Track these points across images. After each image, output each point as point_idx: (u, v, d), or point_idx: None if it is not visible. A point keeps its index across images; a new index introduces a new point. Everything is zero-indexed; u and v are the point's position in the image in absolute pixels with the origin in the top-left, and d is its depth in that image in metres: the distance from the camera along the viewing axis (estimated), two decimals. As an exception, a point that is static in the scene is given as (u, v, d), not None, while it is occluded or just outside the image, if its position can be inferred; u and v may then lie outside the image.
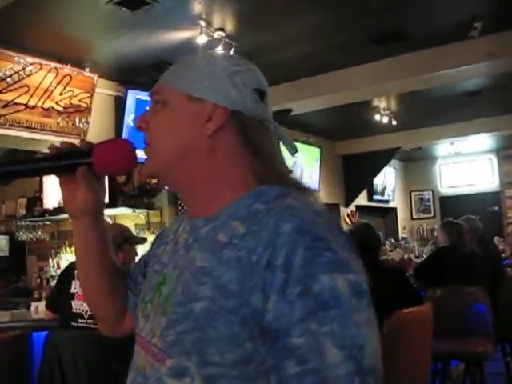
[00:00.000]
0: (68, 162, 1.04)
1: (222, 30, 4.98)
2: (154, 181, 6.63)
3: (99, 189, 1.09)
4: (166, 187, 4.96)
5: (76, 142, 1.09)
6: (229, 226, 0.89)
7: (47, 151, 1.05)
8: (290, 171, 0.99)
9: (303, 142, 9.04)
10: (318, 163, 9.44)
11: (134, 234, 6.65)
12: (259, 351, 0.80)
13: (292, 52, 5.65)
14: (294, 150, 1.01)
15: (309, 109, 7.21)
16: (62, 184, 1.08)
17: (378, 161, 10.32)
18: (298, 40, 5.38)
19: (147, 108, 1.03)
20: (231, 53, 5.12)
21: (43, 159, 1.05)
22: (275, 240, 0.80)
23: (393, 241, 9.84)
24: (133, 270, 1.20)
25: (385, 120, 8.12)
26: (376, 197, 11.23)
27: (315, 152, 9.38)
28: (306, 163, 9.15)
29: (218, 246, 0.88)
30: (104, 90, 6.05)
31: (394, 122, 8.28)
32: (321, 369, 0.75)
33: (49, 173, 1.12)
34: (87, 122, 5.76)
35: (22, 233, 6.92)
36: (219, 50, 5.05)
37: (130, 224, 6.66)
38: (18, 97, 5.09)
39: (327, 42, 5.44)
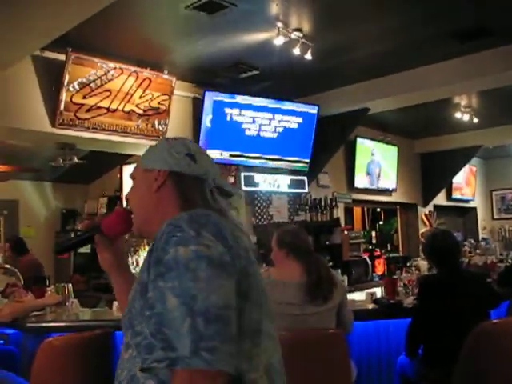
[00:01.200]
0: (88, 234, 1.52)
1: (299, 30, 4.94)
2: (232, 180, 6.68)
3: (116, 249, 1.54)
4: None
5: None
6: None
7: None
8: (209, 204, 1.35)
9: (380, 141, 8.89)
10: (396, 162, 9.25)
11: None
12: None
13: (369, 51, 5.54)
14: (238, 195, 1.61)
15: (386, 108, 7.06)
16: (97, 250, 1.54)
17: (458, 159, 9.98)
18: (375, 38, 5.26)
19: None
20: (308, 54, 5.10)
21: (77, 235, 1.57)
22: (157, 236, 1.17)
23: (472, 242, 9.48)
24: None
25: (466, 118, 7.83)
26: (455, 196, 10.90)
27: (393, 151, 9.20)
28: (384, 162, 9.00)
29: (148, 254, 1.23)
30: (182, 92, 6.14)
31: (476, 120, 7.98)
32: (162, 312, 1.07)
33: (84, 244, 1.57)
34: (166, 124, 5.87)
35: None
36: (296, 50, 5.02)
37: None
38: (101, 101, 5.25)
39: (405, 39, 5.29)
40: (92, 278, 7.44)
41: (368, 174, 8.73)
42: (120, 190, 7.63)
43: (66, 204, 9.03)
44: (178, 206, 1.35)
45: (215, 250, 1.13)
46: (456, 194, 11.00)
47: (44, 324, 3.70)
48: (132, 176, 1.48)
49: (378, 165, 8.91)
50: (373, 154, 8.79)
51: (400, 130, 9.14)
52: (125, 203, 1.70)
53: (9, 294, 4.21)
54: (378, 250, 8.45)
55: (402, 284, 4.18)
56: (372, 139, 8.69)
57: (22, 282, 4.63)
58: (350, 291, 6.34)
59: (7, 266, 4.91)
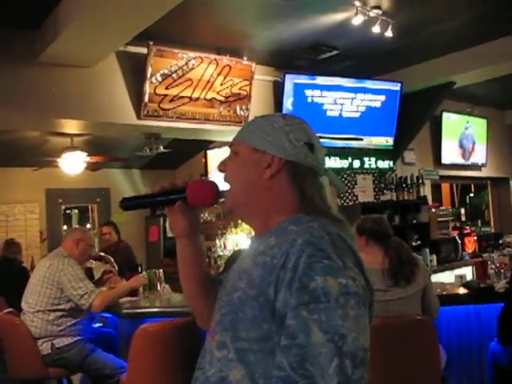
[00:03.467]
0: (168, 197, 1.41)
1: (378, 7, 4.82)
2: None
3: (193, 217, 1.43)
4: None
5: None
6: (267, 240, 1.20)
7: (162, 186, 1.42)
8: (327, 206, 1.26)
9: (468, 114, 8.56)
10: (485, 135, 8.89)
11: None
12: (273, 331, 1.07)
13: (451, 24, 5.31)
14: (342, 190, 1.75)
15: (473, 80, 6.76)
16: (168, 213, 1.44)
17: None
18: (457, 10, 5.04)
19: (228, 155, 1.37)
20: (389, 31, 4.97)
21: (153, 195, 1.44)
22: (290, 249, 1.09)
23: None
24: (222, 278, 1.45)
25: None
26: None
27: (482, 123, 8.84)
28: (476, 135, 8.69)
29: (256, 253, 1.20)
30: (262, 77, 6.16)
31: None
32: (305, 345, 1.00)
33: (157, 206, 1.49)
34: (247, 109, 5.92)
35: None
36: (376, 28, 4.91)
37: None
38: (183, 90, 5.37)
39: (487, 9, 5.03)
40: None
41: (461, 147, 8.46)
42: (205, 174, 7.78)
43: (155, 189, 9.31)
44: (294, 201, 1.25)
45: (360, 285, 1.08)
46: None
47: (138, 310, 3.88)
48: (235, 150, 1.33)
49: (471, 139, 8.61)
50: (466, 128, 8.49)
51: (489, 101, 8.75)
52: (213, 175, 1.54)
53: (105, 281, 4.44)
54: (468, 227, 8.19)
55: (493, 266, 4.04)
56: (459, 113, 8.38)
57: (117, 268, 4.86)
58: (439, 271, 6.23)
59: (102, 253, 5.15)
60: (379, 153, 6.90)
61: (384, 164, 7.02)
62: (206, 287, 1.47)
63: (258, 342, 1.08)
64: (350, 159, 6.72)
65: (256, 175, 1.27)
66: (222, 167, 1.35)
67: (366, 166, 6.85)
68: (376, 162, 6.93)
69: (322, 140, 4.74)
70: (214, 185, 1.39)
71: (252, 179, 1.28)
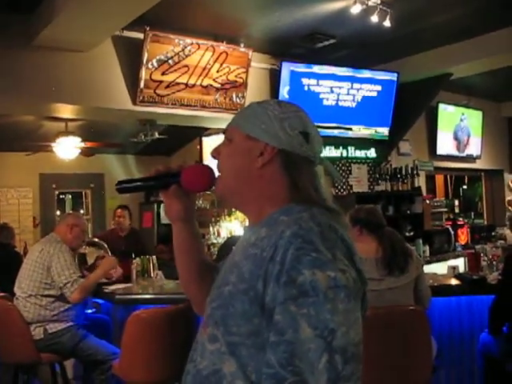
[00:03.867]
0: (163, 181, 1.41)
1: (376, -3, 4.80)
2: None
3: (188, 202, 1.42)
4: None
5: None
6: (259, 232, 1.17)
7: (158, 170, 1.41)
8: (322, 196, 1.22)
9: (464, 106, 8.56)
10: (480, 127, 8.90)
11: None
12: (263, 326, 1.04)
13: (448, 15, 5.30)
14: (338, 180, 1.76)
15: (470, 72, 6.76)
16: (163, 197, 1.42)
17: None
18: (454, 2, 5.04)
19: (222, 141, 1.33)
20: (387, 21, 4.94)
21: (148, 179, 1.43)
22: (278, 241, 1.07)
23: None
24: (220, 266, 1.41)
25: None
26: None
27: (477, 115, 8.84)
28: (471, 127, 8.70)
29: (248, 245, 1.18)
30: (259, 64, 6.13)
31: None
32: (293, 341, 0.98)
33: (152, 189, 1.52)
34: (243, 97, 5.90)
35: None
36: (374, 18, 4.89)
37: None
38: (179, 77, 5.35)
39: (485, 1, 5.02)
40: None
41: (455, 139, 8.46)
42: (200, 161, 7.77)
43: (149, 176, 9.30)
44: (286, 191, 1.22)
45: (350, 277, 1.04)
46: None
47: (131, 296, 3.88)
48: (229, 136, 1.29)
49: (466, 131, 8.62)
50: (461, 120, 8.50)
51: (485, 93, 8.75)
52: (208, 162, 1.52)
53: (98, 266, 4.43)
54: (461, 219, 8.22)
55: (485, 258, 4.06)
56: (455, 104, 8.38)
57: (110, 253, 4.85)
58: (432, 262, 6.25)
59: (95, 239, 5.14)
60: (374, 143, 6.90)
61: (379, 154, 7.03)
62: (202, 273, 1.46)
63: (249, 336, 1.06)
64: (345, 149, 6.72)
65: (248, 163, 1.24)
66: (215, 154, 1.32)
67: (361, 155, 6.85)
68: (371, 152, 6.93)
69: (318, 129, 4.73)
70: (209, 169, 1.37)
71: (243, 167, 1.25)
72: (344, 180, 6.65)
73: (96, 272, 4.00)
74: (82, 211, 9.51)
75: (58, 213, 9.10)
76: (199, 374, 1.14)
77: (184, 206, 1.40)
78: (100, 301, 4.28)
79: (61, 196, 9.38)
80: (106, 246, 4.84)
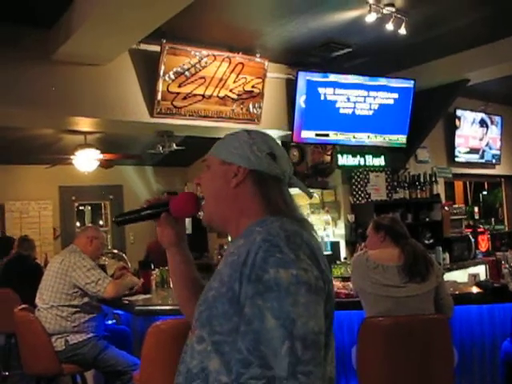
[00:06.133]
0: (153, 211, 1.59)
1: (391, 5, 4.79)
2: (328, 159, 6.66)
3: (178, 228, 1.61)
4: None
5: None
6: (237, 242, 1.31)
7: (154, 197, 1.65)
8: (291, 208, 1.39)
9: (482, 112, 8.50)
10: (499, 133, 8.83)
11: (309, 213, 6.81)
12: None
13: (464, 21, 5.26)
14: (309, 195, 1.60)
15: (488, 77, 6.71)
16: (157, 225, 1.61)
17: None
18: (469, 8, 5.00)
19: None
20: (402, 28, 4.94)
21: (141, 210, 1.61)
22: (251, 247, 1.21)
23: None
24: None
25: None
26: None
27: (495, 121, 8.77)
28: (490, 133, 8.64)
29: (228, 254, 1.32)
30: (275, 74, 6.15)
31: None
32: (259, 330, 1.12)
33: (145, 219, 1.63)
34: (260, 107, 5.93)
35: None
36: (389, 26, 4.88)
37: (304, 203, 6.79)
38: (196, 88, 5.38)
39: (501, 6, 4.97)
40: (194, 259, 7.69)
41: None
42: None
43: (167, 186, 9.37)
44: (260, 205, 1.38)
45: (312, 275, 1.18)
46: None
47: (151, 307, 3.90)
48: (207, 164, 1.47)
49: (488, 137, 8.57)
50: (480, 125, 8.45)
51: (503, 98, 8.68)
52: (193, 187, 1.71)
53: (118, 277, 4.46)
54: (481, 226, 8.14)
55: (507, 266, 4.01)
56: (473, 110, 8.32)
57: (130, 265, 4.89)
58: (452, 269, 6.20)
59: (115, 250, 5.18)
60: (392, 151, 6.87)
61: (397, 162, 6.99)
62: (195, 292, 1.56)
63: (230, 333, 1.19)
64: (362, 157, 6.70)
65: (224, 185, 1.40)
66: (198, 181, 1.50)
67: (379, 163, 6.82)
68: (389, 160, 6.90)
69: (335, 138, 4.72)
70: (193, 196, 1.56)
71: (221, 189, 1.41)
72: (362, 188, 6.63)
73: (126, 278, 4.11)
74: (101, 222, 9.59)
75: (78, 224, 9.19)
76: (190, 373, 1.27)
77: (175, 231, 1.60)
78: (120, 312, 4.30)
79: (80, 208, 9.47)
80: (125, 257, 4.88)
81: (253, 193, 1.39)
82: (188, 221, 8.57)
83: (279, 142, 6.54)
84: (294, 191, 1.46)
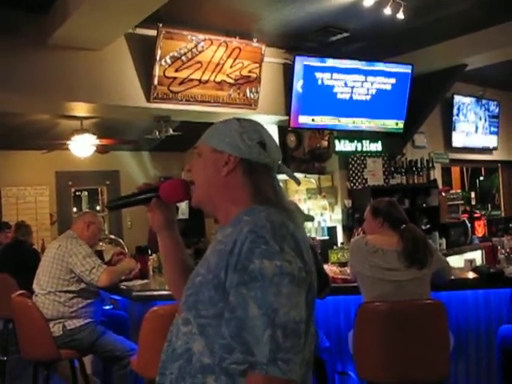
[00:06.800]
0: (143, 196, 1.64)
1: (389, -11, 4.76)
2: (325, 145, 6.65)
3: (168, 212, 1.66)
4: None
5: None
6: (225, 230, 1.36)
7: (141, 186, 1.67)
8: (279, 197, 1.42)
9: (480, 97, 8.48)
10: (497, 118, 8.82)
11: (306, 198, 6.81)
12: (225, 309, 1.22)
13: (462, 6, 5.23)
14: (297, 182, 1.65)
15: (486, 62, 6.69)
16: (147, 210, 1.66)
17: None
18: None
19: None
20: (400, 13, 4.90)
21: (132, 195, 1.66)
22: (238, 237, 1.25)
23: None
24: None
25: None
26: None
27: (492, 107, 8.76)
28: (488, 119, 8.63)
29: (216, 242, 1.36)
30: (272, 59, 6.12)
31: None
32: (243, 318, 1.17)
33: (137, 204, 1.67)
34: (257, 92, 5.90)
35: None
36: (387, 10, 4.86)
37: (301, 188, 6.79)
38: (192, 73, 5.35)
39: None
40: (192, 244, 7.70)
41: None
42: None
43: (164, 172, 9.34)
44: (249, 194, 1.41)
45: (295, 266, 1.22)
46: None
47: (148, 293, 3.90)
48: (198, 151, 1.50)
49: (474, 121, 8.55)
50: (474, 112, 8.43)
51: (501, 83, 8.65)
52: (184, 174, 1.74)
53: (115, 262, 4.47)
54: (477, 211, 8.16)
55: (503, 251, 4.03)
56: (470, 95, 8.31)
57: (127, 250, 4.89)
58: (448, 255, 6.22)
59: (112, 236, 5.18)
60: (389, 136, 6.86)
61: (394, 147, 6.98)
62: (185, 275, 1.59)
63: (214, 318, 1.24)
64: (359, 142, 6.69)
65: (215, 173, 1.43)
66: (189, 168, 1.53)
67: (376, 149, 6.82)
68: (386, 146, 6.90)
69: (332, 123, 4.70)
70: (183, 182, 1.59)
71: (212, 176, 1.44)
72: (359, 173, 6.63)
73: (122, 264, 4.11)
74: (98, 208, 9.59)
75: (75, 210, 9.18)
76: (174, 352, 1.33)
77: (165, 215, 1.65)
78: (117, 297, 4.31)
79: (77, 193, 9.46)
80: (122, 242, 4.88)
81: (243, 182, 1.42)
82: (185, 207, 8.58)
83: (276, 127, 6.53)
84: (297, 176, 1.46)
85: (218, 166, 1.43)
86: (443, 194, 7.22)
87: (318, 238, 5.92)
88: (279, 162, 1.49)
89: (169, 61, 5.16)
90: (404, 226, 3.15)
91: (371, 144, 6.78)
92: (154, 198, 1.62)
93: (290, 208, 1.42)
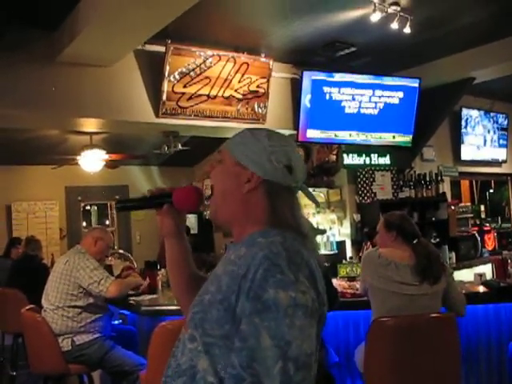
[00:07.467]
0: (156, 201, 1.60)
1: (396, 4, 4.78)
2: (333, 159, 6.65)
3: (179, 219, 1.63)
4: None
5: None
6: (239, 250, 1.32)
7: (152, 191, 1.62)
8: (297, 222, 1.37)
9: (488, 110, 8.47)
10: (506, 131, 8.79)
11: (315, 212, 6.80)
12: (233, 333, 1.20)
13: (469, 19, 5.25)
14: (316, 204, 1.64)
15: (493, 76, 6.68)
16: (157, 215, 1.62)
17: None
18: (474, 6, 4.99)
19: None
20: (407, 27, 4.93)
21: (143, 199, 1.62)
22: (251, 262, 1.22)
23: None
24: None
25: None
26: None
27: (501, 119, 8.74)
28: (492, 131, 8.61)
29: (228, 261, 1.32)
30: (280, 74, 6.16)
31: None
32: (254, 348, 1.14)
33: (147, 208, 1.65)
34: (265, 107, 5.93)
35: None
36: (394, 25, 4.88)
37: (310, 202, 6.76)
38: (201, 88, 5.39)
39: (506, 4, 4.95)
40: (201, 258, 7.70)
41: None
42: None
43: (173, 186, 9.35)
44: (266, 215, 1.38)
45: (309, 298, 1.20)
46: None
47: (157, 308, 3.90)
48: (221, 158, 1.45)
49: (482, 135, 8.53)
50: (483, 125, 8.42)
51: (509, 96, 8.63)
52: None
53: (125, 277, 4.48)
54: (487, 224, 8.11)
55: (513, 265, 4.00)
56: (478, 108, 8.29)
57: (136, 265, 4.90)
58: (458, 269, 6.18)
59: (121, 251, 5.19)
60: (397, 150, 6.86)
61: (402, 161, 6.98)
62: (192, 284, 1.62)
63: (221, 338, 1.22)
64: (368, 156, 6.69)
65: (235, 186, 1.40)
66: (209, 168, 1.53)
67: (385, 162, 6.81)
68: (394, 159, 6.89)
69: (341, 137, 4.72)
70: (197, 191, 1.57)
71: (231, 189, 1.41)
72: (368, 187, 6.63)
73: (130, 278, 4.13)
74: (107, 222, 9.61)
75: (84, 224, 9.22)
76: (179, 368, 1.31)
77: (175, 222, 1.62)
78: (126, 312, 4.31)
79: (86, 208, 9.49)
80: (131, 257, 4.89)
81: (262, 202, 1.38)
82: (194, 221, 8.60)
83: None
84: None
85: (240, 182, 1.39)
86: (452, 207, 7.19)
87: (326, 252, 5.91)
88: (302, 183, 1.44)
89: (177, 76, 5.20)
90: (417, 240, 3.16)
91: (379, 158, 6.78)
92: (166, 204, 1.58)
93: (305, 233, 1.38)
